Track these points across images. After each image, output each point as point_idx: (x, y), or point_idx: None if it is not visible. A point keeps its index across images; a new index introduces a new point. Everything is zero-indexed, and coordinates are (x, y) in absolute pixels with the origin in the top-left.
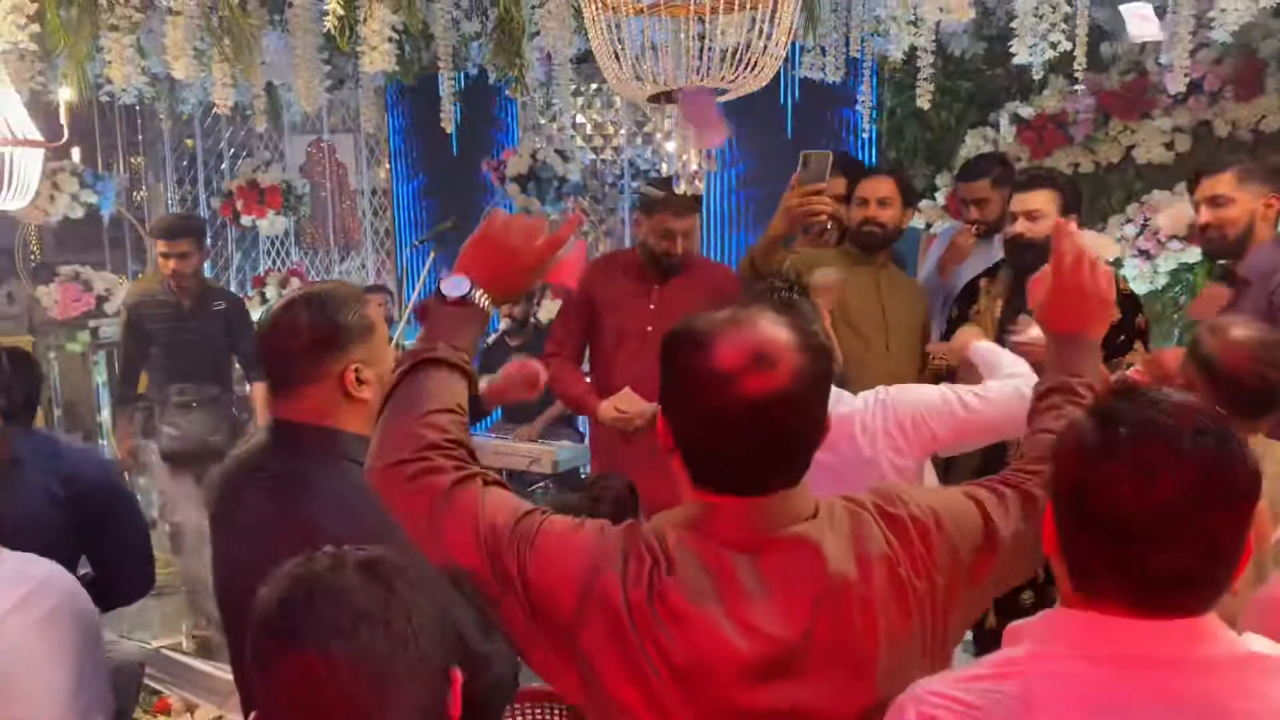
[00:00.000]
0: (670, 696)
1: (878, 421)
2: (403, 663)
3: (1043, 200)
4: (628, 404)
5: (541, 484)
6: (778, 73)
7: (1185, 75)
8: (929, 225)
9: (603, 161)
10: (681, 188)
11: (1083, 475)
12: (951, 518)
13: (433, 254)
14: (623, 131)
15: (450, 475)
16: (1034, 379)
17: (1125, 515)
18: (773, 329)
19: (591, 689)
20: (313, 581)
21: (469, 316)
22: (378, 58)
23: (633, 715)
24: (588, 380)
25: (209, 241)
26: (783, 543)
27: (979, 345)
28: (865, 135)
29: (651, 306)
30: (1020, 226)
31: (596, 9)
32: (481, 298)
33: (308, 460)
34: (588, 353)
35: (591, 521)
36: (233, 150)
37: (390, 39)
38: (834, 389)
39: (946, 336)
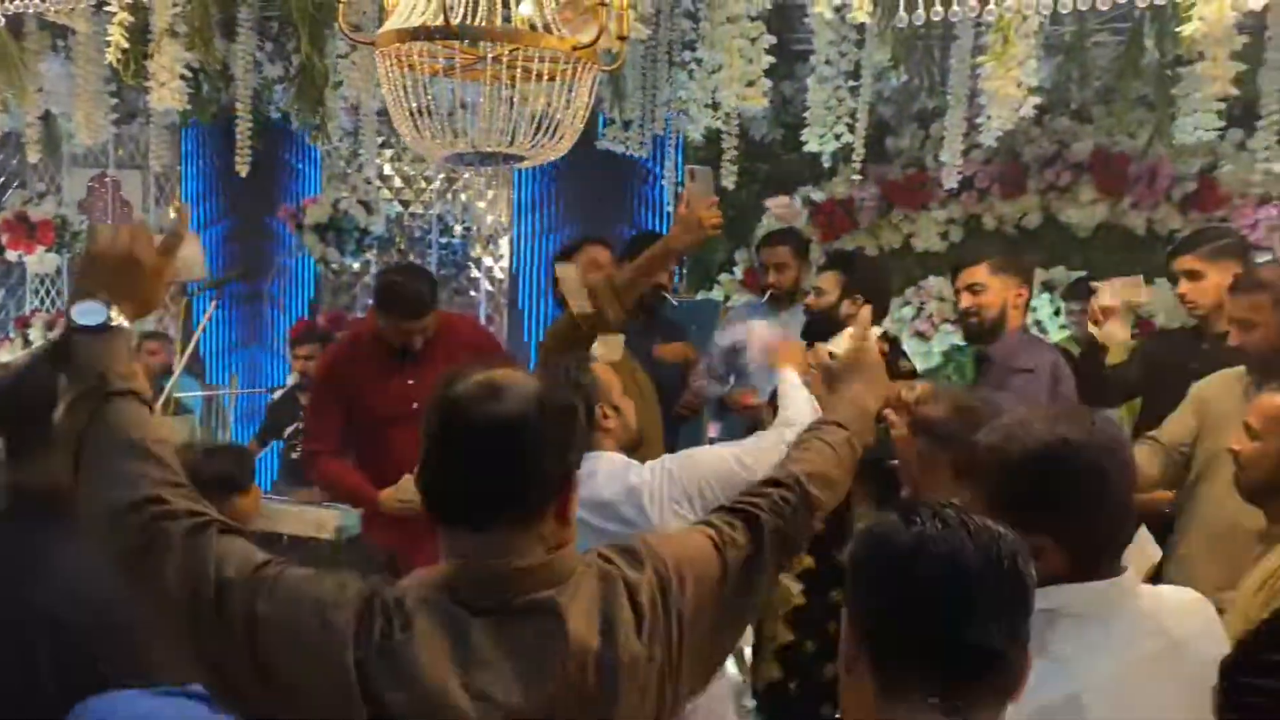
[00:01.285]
0: None
1: (665, 491)
2: None
3: (826, 279)
4: (409, 493)
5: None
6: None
7: (958, 173)
8: (728, 298)
9: (411, 215)
10: (477, 251)
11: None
12: (692, 566)
13: (214, 302)
14: (434, 186)
15: (185, 521)
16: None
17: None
18: (516, 375)
19: None
20: None
21: (115, 340)
22: (167, 94)
23: None
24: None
25: None
26: (526, 609)
27: (786, 375)
28: (669, 209)
29: (411, 382)
30: (809, 299)
31: (391, 65)
32: (119, 317)
33: (42, 532)
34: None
35: (333, 575)
36: (3, 179)
37: (183, 76)
38: (624, 459)
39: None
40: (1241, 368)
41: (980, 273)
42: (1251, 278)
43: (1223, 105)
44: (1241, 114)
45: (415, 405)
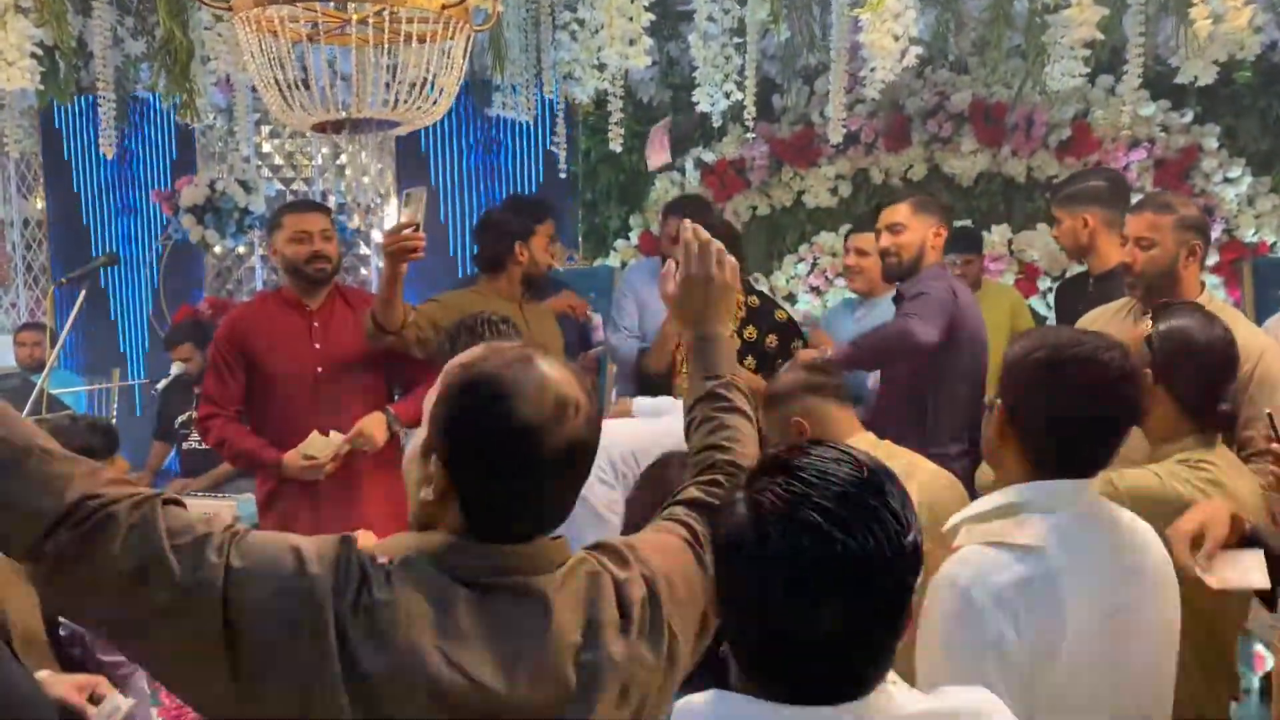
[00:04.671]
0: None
1: None
2: None
3: None
4: (317, 449)
5: None
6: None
7: (843, 127)
8: (624, 264)
9: (293, 193)
10: (355, 221)
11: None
12: (681, 572)
13: (83, 292)
14: (316, 162)
15: (127, 502)
16: None
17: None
18: (563, 373)
19: (246, 696)
20: None
21: None
22: (16, 74)
23: None
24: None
25: None
26: (513, 590)
27: (637, 403)
28: (563, 176)
29: (317, 345)
30: None
31: (252, 31)
32: None
33: None
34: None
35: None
36: None
37: (34, 55)
38: None
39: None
40: (1125, 299)
41: (901, 212)
42: (1159, 198)
43: (1089, 51)
44: (1111, 60)
45: (319, 369)
